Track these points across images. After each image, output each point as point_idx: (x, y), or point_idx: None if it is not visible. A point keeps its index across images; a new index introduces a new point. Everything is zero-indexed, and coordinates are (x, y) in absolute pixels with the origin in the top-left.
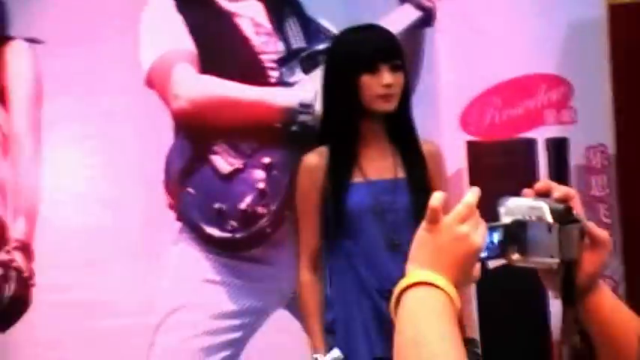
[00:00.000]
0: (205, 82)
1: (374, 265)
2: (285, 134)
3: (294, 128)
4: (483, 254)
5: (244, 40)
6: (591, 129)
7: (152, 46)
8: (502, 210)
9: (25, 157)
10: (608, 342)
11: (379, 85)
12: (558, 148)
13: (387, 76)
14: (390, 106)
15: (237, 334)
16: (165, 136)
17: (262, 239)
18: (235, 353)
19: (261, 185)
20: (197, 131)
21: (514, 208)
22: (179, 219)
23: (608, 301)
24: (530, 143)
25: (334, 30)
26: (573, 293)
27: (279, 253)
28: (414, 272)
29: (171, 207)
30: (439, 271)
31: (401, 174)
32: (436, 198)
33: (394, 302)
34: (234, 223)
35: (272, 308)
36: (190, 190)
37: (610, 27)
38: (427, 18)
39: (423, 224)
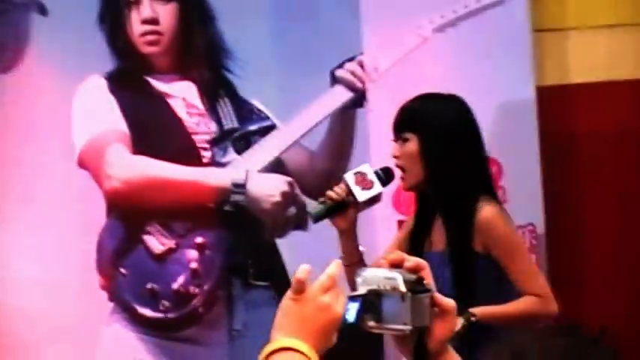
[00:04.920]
0: (138, 162)
1: None
2: (219, 214)
3: (227, 208)
4: (343, 322)
5: (177, 121)
6: (521, 209)
7: (85, 126)
8: (359, 280)
9: None
10: None
11: None
12: None
13: (393, 149)
14: (403, 180)
15: None
16: (98, 217)
17: (195, 319)
18: None
19: (194, 265)
20: (130, 211)
21: (370, 278)
22: (111, 299)
23: None
24: None
25: (267, 111)
26: (425, 358)
27: (212, 333)
28: (280, 339)
29: (103, 288)
30: (302, 339)
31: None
32: (301, 270)
33: None
34: (166, 304)
35: None
36: (123, 270)
37: (539, 108)
38: (358, 99)
39: (289, 293)
